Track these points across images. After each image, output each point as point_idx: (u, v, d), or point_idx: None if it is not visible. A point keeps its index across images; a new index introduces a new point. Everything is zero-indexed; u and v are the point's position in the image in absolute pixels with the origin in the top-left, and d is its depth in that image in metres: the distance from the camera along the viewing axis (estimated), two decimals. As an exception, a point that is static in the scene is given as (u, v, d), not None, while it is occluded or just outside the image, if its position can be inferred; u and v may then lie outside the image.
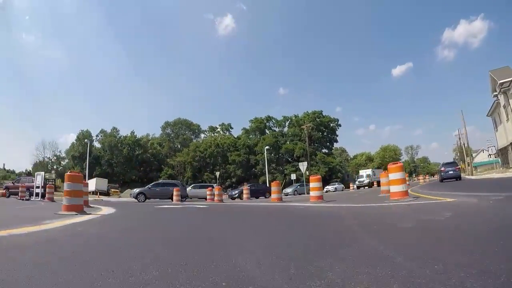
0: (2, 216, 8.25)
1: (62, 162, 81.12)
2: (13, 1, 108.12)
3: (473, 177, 36.15)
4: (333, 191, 45.13)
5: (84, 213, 8.09)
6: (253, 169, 75.57)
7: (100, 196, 38.81)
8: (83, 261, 2.66)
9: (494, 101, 39.89)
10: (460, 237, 3.28)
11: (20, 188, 21.85)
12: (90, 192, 44.80)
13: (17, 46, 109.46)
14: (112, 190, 51.73)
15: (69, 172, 8.46)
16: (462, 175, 33.10)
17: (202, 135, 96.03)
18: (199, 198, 27.15)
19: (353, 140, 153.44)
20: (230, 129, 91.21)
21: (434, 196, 9.70)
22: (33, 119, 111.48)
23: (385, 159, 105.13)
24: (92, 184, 48.03)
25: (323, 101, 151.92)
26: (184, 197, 24.28)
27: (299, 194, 38.64)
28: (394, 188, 9.36)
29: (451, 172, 28.32)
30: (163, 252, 2.99)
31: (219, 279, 2.02)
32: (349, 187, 53.68)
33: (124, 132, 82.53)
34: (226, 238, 3.89)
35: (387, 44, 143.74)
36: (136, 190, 25.13)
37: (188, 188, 27.82)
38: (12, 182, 27.69)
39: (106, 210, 10.13)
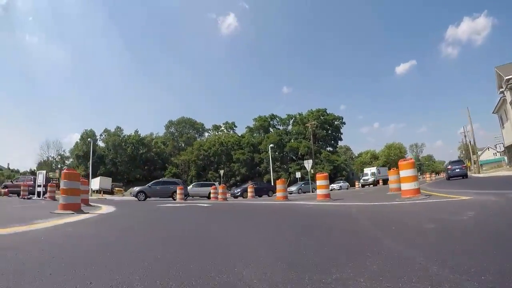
0: (-4, 215, 7.90)
1: (66, 162, 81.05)
2: (16, 3, 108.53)
3: (480, 175, 35.70)
4: (338, 189, 44.65)
5: (81, 212, 7.74)
6: (258, 167, 75.15)
7: (103, 195, 38.59)
8: (57, 267, 2.28)
9: (500, 97, 39.07)
10: (496, 240, 2.86)
11: (22, 187, 21.66)
12: (94, 191, 45.33)
13: (21, 47, 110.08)
14: (116, 189, 51.64)
15: (66, 170, 8.07)
16: (468, 173, 32.75)
17: (206, 134, 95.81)
18: (201, 197, 26.81)
19: (358, 138, 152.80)
20: (234, 128, 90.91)
21: (447, 194, 9.31)
22: (37, 119, 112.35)
23: (390, 157, 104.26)
24: (96, 183, 48.13)
25: (327, 100, 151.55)
26: (185, 195, 23.92)
27: (304, 192, 38.24)
28: (406, 186, 8.92)
29: (458, 170, 28.49)
30: (155, 261, 2.59)
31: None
32: (354, 185, 53.21)
33: (128, 131, 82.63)
34: (229, 242, 3.47)
35: (391, 42, 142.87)
36: (136, 189, 24.78)
37: (190, 187, 27.46)
38: (11, 181, 27.53)
39: (105, 209, 9.80)
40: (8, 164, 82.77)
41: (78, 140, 76.64)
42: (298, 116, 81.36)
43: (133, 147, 77.71)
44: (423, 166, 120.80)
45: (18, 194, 23.25)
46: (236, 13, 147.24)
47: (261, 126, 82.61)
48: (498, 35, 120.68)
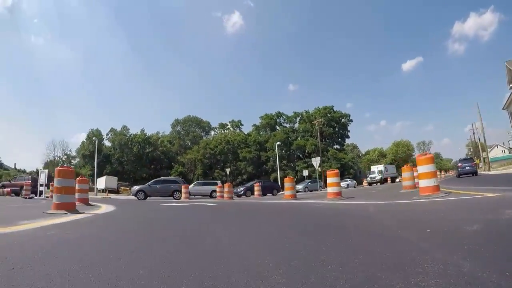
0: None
1: (73, 161, 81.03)
2: (21, 5, 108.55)
3: (491, 173, 35.02)
4: (346, 188, 43.82)
5: (76, 212, 7.21)
6: (264, 165, 74.49)
7: (108, 194, 38.23)
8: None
9: (511, 93, 38.10)
10: None
11: (24, 186, 21.41)
12: (100, 190, 45.05)
13: (27, 48, 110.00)
14: (122, 188, 51.37)
15: (60, 167, 7.55)
16: (478, 171, 32.39)
17: (212, 132, 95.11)
18: (203, 195, 26.19)
19: (364, 136, 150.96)
20: (240, 126, 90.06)
21: (467, 191, 8.69)
22: (44, 120, 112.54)
23: (398, 154, 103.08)
24: (101, 182, 47.91)
25: (334, 98, 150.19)
26: None
27: (310, 191, 37.26)
28: (424, 183, 8.28)
29: (468, 167, 28.79)
30: (139, 276, 2.01)
31: None
32: (361, 184, 52.39)
33: (134, 130, 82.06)
34: (233, 250, 2.90)
35: (397, 38, 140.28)
36: (136, 188, 24.30)
37: (191, 186, 26.79)
38: (9, 181, 27.31)
39: (104, 209, 9.31)
40: (15, 164, 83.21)
41: (84, 140, 76.47)
42: (304, 113, 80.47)
43: (139, 146, 77.38)
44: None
45: (17, 194, 23.08)
46: (241, 11, 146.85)
47: (267, 124, 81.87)
48: (505, 30, 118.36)
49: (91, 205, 11.14)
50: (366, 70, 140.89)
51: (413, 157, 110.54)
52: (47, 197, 18.48)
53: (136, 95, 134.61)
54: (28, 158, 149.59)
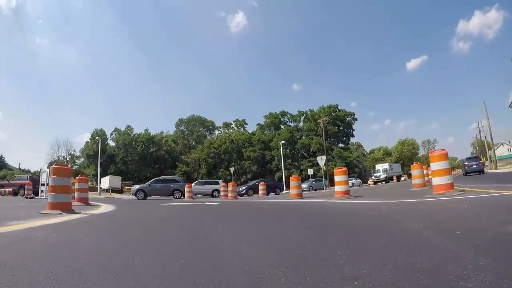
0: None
1: (77, 161, 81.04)
2: (25, 7, 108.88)
3: (498, 171, 34.60)
4: (351, 187, 43.07)
5: (72, 212, 6.87)
6: (269, 165, 73.99)
7: (112, 194, 38.04)
8: None
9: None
10: None
11: (26, 186, 21.18)
12: (103, 190, 44.88)
13: (32, 50, 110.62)
14: (126, 187, 51.18)
15: (55, 165, 7.20)
16: (484, 169, 32.23)
17: (217, 132, 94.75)
18: (204, 195, 25.78)
19: (369, 135, 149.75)
20: (244, 125, 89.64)
21: (481, 189, 8.28)
22: (49, 120, 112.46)
23: (403, 153, 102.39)
24: (105, 181, 47.77)
25: (338, 97, 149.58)
26: None
27: (315, 190, 36.55)
28: (438, 180, 7.88)
29: (475, 166, 29.15)
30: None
31: None
32: (366, 182, 51.81)
33: (138, 130, 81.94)
34: (236, 259, 2.52)
35: (401, 37, 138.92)
36: (136, 187, 23.96)
37: (192, 185, 26.36)
38: (7, 180, 27.14)
39: (103, 209, 9.00)
40: (19, 164, 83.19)
41: (89, 140, 76.50)
42: (309, 112, 79.89)
43: (143, 146, 77.18)
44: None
45: (15, 193, 22.91)
46: (245, 11, 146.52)
47: (271, 123, 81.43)
48: (509, 28, 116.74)
49: (91, 204, 10.87)
50: (371, 69, 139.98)
51: (418, 155, 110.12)
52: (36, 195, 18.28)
53: (140, 94, 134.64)
54: (33, 158, 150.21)
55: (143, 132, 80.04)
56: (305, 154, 74.79)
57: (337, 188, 10.56)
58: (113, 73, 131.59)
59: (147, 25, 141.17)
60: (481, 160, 32.67)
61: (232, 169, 55.31)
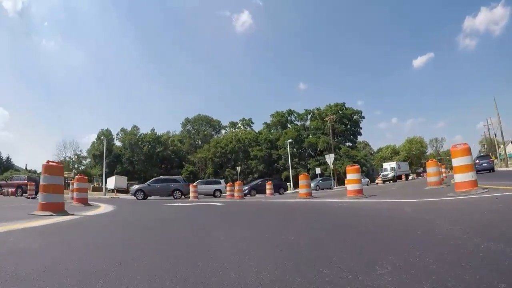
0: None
1: (83, 161, 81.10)
2: (30, 9, 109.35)
3: (510, 169, 33.94)
4: (360, 185, 42.19)
5: (65, 213, 6.35)
6: (276, 164, 73.34)
7: (117, 194, 37.71)
8: None
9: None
10: None
11: (28, 186, 20.87)
12: (109, 190, 44.57)
13: (38, 52, 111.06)
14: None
15: (46, 162, 6.68)
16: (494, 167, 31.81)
17: (223, 131, 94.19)
18: (206, 195, 25.18)
19: (376, 133, 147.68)
20: (251, 124, 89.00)
21: (505, 186, 7.67)
22: (56, 121, 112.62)
23: (411, 151, 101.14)
24: (111, 181, 47.56)
25: (344, 96, 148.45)
26: (186, 194, 22.46)
27: (321, 189, 35.56)
28: (461, 177, 7.26)
29: (485, 164, 29.18)
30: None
31: None
32: (373, 181, 50.89)
33: (144, 130, 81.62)
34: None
35: (407, 34, 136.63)
36: (135, 187, 23.42)
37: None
38: (5, 181, 26.90)
39: (101, 209, 8.50)
40: (26, 165, 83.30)
41: (95, 140, 76.47)
42: (316, 111, 78.94)
43: (149, 146, 77.00)
44: (444, 161, 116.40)
45: (12, 194, 22.69)
46: (250, 10, 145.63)
47: (278, 121, 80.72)
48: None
49: (90, 205, 10.40)
50: (377, 68, 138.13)
51: (426, 154, 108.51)
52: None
53: (146, 95, 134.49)
54: (40, 159, 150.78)
55: (150, 132, 79.86)
56: (312, 153, 74.01)
57: (349, 187, 9.93)
58: (119, 74, 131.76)
59: (152, 26, 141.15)
60: (491, 158, 32.58)
61: (238, 168, 54.74)
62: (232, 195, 18.59)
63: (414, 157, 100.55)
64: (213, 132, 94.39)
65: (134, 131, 79.44)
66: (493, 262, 1.77)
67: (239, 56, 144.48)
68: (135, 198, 21.49)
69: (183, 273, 1.87)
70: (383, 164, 61.61)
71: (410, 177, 55.51)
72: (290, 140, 56.42)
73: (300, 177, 12.93)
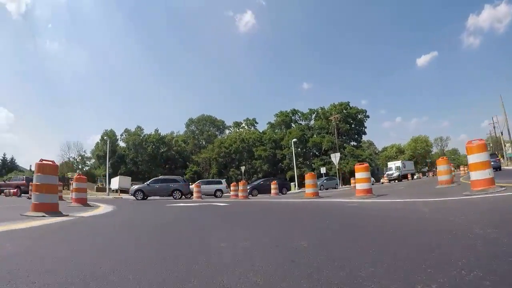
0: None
1: (87, 162, 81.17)
2: (34, 12, 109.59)
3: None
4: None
5: (59, 214, 6.01)
6: (280, 164, 72.92)
7: (120, 194, 37.51)
8: None
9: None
10: None
11: (30, 187, 20.60)
12: (113, 190, 44.32)
13: (42, 53, 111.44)
14: (136, 188, 50.61)
15: (40, 161, 6.32)
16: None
17: (227, 131, 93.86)
18: (206, 195, 24.80)
19: (380, 133, 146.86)
20: (255, 124, 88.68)
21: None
22: (61, 122, 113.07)
23: (416, 150, 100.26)
24: (115, 182, 47.38)
25: (348, 95, 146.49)
26: (186, 194, 22.19)
27: (326, 189, 34.89)
28: (477, 175, 6.83)
29: (493, 163, 28.63)
30: None
31: None
32: (379, 181, 50.25)
33: (148, 130, 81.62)
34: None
35: (411, 33, 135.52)
36: (134, 187, 23.00)
37: (193, 185, 25.35)
38: (4, 181, 26.78)
39: (100, 210, 8.19)
40: (30, 166, 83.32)
41: (99, 141, 76.45)
42: (320, 110, 78.25)
43: (153, 146, 76.96)
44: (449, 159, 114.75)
45: (9, 194, 22.54)
46: (253, 10, 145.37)
47: (282, 121, 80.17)
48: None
49: (89, 205, 10.09)
50: (380, 67, 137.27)
51: (432, 153, 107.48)
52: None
53: (150, 95, 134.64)
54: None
55: (153, 133, 79.79)
56: (317, 153, 73.47)
57: (358, 186, 9.51)
58: (123, 74, 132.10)
59: (156, 26, 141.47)
60: (498, 157, 32.68)
61: (243, 168, 54.33)
62: (237, 195, 18.22)
63: (420, 156, 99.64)
64: (217, 132, 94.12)
65: (138, 131, 79.39)
66: None
67: (242, 56, 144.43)
68: (134, 198, 21.11)
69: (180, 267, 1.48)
70: (388, 163, 60.97)
71: (415, 176, 54.78)
72: (294, 140, 55.93)
73: (306, 176, 12.52)
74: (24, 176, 26.32)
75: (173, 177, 25.34)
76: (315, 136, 74.30)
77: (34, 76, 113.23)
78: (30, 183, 21.95)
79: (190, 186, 24.19)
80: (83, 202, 10.08)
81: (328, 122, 70.36)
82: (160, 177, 25.74)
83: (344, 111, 74.91)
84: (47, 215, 5.63)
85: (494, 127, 66.53)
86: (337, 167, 38.19)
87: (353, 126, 76.98)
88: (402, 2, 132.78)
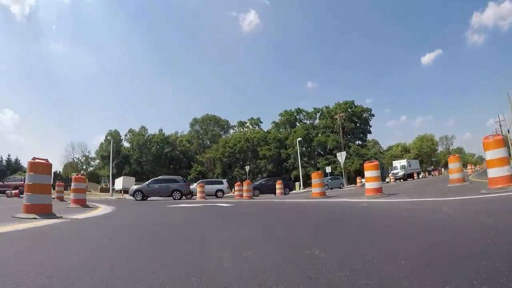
0: None
1: (92, 162, 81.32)
2: (38, 14, 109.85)
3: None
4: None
5: (51, 215, 5.66)
6: (285, 163, 72.54)
7: (124, 195, 37.30)
8: None
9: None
10: None
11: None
12: (117, 191, 44.15)
13: (47, 55, 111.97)
14: (140, 188, 50.43)
15: (32, 159, 5.97)
16: None
17: (231, 131, 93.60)
18: (207, 195, 24.44)
19: (385, 132, 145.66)
20: (259, 124, 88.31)
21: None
22: (65, 123, 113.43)
23: (422, 149, 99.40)
24: (119, 182, 47.29)
25: (352, 94, 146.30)
26: (187, 194, 21.89)
27: (331, 188, 34.21)
28: (496, 172, 6.44)
29: None
30: None
31: None
32: (384, 180, 49.55)
33: (152, 130, 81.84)
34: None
35: (415, 32, 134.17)
36: (134, 187, 22.65)
37: (194, 185, 24.92)
38: (2, 181, 26.60)
39: (98, 211, 7.87)
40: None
41: (103, 141, 76.58)
42: (325, 109, 77.80)
43: (158, 146, 76.89)
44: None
45: (7, 194, 22.28)
46: (257, 10, 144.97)
47: (287, 120, 79.78)
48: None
49: (88, 206, 9.79)
50: (385, 65, 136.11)
51: (438, 152, 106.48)
52: (53, 198, 17.24)
53: (155, 95, 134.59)
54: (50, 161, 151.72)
55: (158, 133, 79.81)
56: (322, 152, 72.98)
57: (368, 185, 9.10)
58: (127, 75, 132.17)
59: (160, 27, 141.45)
60: None
61: (247, 168, 53.98)
62: (241, 195, 17.83)
63: (425, 155, 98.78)
64: (221, 132, 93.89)
65: (142, 131, 79.39)
66: None
67: (246, 55, 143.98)
68: (133, 199, 20.78)
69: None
70: (393, 162, 60.26)
71: (420, 175, 54.02)
72: (299, 139, 55.51)
73: (313, 175, 12.09)
74: (22, 177, 26.09)
75: (173, 177, 24.95)
76: (320, 135, 73.90)
77: (38, 78, 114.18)
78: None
79: (192, 186, 23.86)
80: (82, 203, 9.76)
81: (333, 121, 69.90)
82: (159, 177, 25.35)
83: (349, 110, 74.47)
84: (38, 217, 5.29)
85: (500, 126, 65.40)
86: (342, 166, 37.64)
87: (358, 125, 76.53)
88: (405, 0, 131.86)
